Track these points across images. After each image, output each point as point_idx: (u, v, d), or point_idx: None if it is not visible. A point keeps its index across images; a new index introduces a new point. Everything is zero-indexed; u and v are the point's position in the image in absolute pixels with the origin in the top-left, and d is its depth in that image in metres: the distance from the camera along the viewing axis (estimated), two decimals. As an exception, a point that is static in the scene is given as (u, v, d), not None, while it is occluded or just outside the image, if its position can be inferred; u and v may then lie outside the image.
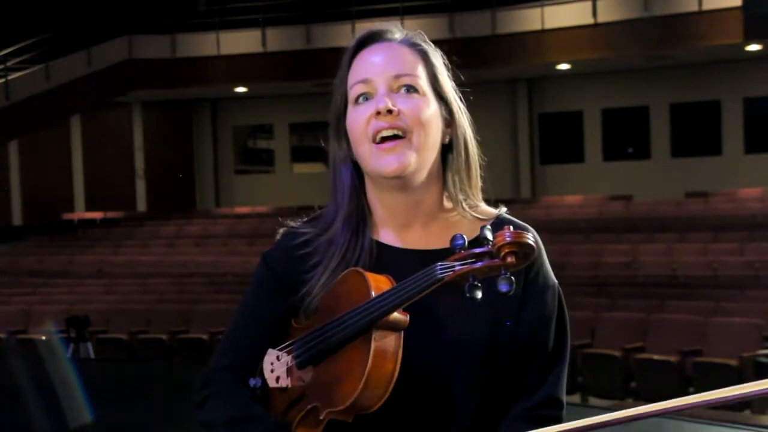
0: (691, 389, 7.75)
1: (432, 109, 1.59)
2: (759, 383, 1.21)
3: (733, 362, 7.61)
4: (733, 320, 8.45)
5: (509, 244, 1.33)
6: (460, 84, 1.67)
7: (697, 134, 18.47)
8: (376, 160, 1.55)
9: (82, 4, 17.91)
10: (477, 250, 1.37)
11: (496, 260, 1.35)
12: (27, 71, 17.09)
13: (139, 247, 16.72)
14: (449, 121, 1.63)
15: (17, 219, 19.81)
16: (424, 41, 1.65)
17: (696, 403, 1.24)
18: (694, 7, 15.43)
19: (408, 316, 1.45)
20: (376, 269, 1.54)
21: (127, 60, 18.33)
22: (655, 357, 8.06)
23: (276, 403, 1.59)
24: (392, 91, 1.58)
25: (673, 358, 7.90)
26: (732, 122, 18.00)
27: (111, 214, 20.02)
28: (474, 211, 1.64)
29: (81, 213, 20.39)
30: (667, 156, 18.59)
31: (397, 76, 1.58)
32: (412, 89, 1.58)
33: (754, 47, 15.98)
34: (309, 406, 1.51)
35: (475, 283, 1.36)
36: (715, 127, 18.16)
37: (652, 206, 15.45)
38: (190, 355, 9.96)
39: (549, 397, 1.59)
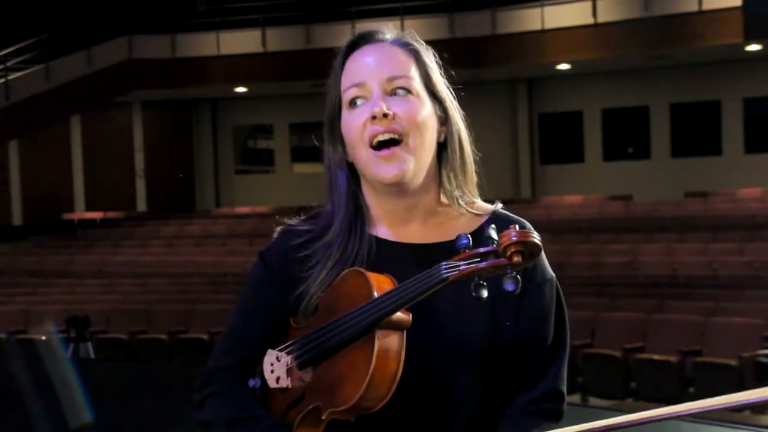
0: (691, 389, 7.76)
1: (427, 110, 1.59)
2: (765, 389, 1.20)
3: (733, 362, 7.61)
4: (733, 320, 8.44)
5: (515, 243, 1.33)
6: (453, 82, 1.67)
7: (697, 134, 18.46)
8: (375, 168, 1.56)
9: (82, 4, 17.90)
10: (482, 250, 1.37)
11: (502, 259, 1.34)
12: (27, 71, 17.09)
13: (139, 247, 16.71)
14: (444, 119, 1.63)
15: (17, 219, 19.81)
16: (416, 40, 1.65)
17: (714, 406, 1.22)
18: (694, 7, 15.43)
19: (411, 315, 1.45)
20: (375, 264, 1.54)
21: (127, 60, 18.32)
22: (655, 357, 8.06)
23: (276, 403, 1.59)
24: (386, 93, 1.57)
25: (673, 358, 7.90)
26: (732, 122, 17.99)
27: (111, 214, 20.02)
28: (470, 207, 1.64)
29: (81, 213, 20.38)
30: (667, 156, 18.58)
31: (391, 79, 1.58)
32: (406, 91, 1.58)
33: (754, 47, 15.97)
34: (310, 407, 1.51)
35: (481, 282, 1.36)
36: (715, 127, 18.15)
37: (652, 206, 15.45)
38: (190, 355, 9.96)
39: (550, 389, 1.60)
